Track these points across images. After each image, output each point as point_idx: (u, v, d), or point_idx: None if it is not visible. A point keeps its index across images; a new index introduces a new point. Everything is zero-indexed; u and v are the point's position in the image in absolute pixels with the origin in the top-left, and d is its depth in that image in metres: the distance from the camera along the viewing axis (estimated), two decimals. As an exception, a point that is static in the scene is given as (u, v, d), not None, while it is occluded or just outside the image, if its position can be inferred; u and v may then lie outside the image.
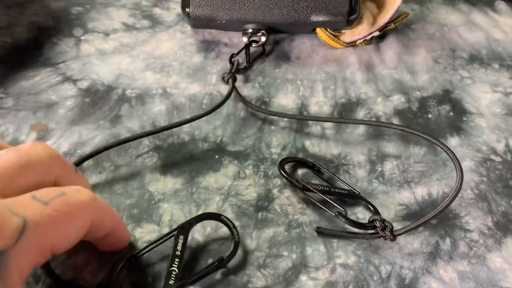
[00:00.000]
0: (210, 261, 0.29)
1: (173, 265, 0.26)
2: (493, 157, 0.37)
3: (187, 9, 0.42)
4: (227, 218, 0.29)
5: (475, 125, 0.39)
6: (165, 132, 0.36)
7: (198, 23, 0.44)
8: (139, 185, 0.32)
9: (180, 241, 0.27)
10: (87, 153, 0.32)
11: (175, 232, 0.28)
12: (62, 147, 0.34)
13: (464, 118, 0.40)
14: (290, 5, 0.42)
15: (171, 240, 0.28)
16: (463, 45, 0.49)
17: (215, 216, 0.29)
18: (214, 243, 0.30)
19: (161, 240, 0.28)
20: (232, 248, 0.28)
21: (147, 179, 0.33)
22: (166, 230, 0.30)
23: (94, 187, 0.32)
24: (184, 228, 0.28)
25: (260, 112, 0.38)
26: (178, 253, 0.27)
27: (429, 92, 0.42)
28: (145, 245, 0.28)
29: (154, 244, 0.28)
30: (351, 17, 0.43)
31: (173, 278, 0.26)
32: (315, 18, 0.42)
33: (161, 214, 0.31)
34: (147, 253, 0.28)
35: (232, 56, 0.42)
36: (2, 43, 0.43)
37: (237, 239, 0.28)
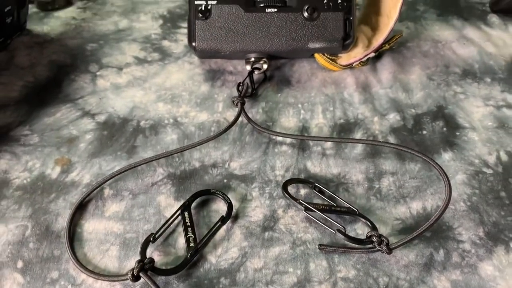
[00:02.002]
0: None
1: (188, 233, 0.33)
2: (484, 169, 0.39)
3: (193, 43, 0.46)
4: (216, 189, 0.36)
5: (468, 139, 0.42)
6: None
7: (204, 54, 0.47)
8: (155, 211, 0.36)
9: (186, 215, 0.34)
10: (102, 179, 0.36)
11: (179, 211, 0.34)
12: (84, 178, 0.38)
13: (457, 133, 0.42)
14: (288, 34, 0.45)
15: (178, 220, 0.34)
16: (456, 60, 0.51)
17: (206, 191, 0.36)
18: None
19: (171, 219, 0.34)
20: (227, 208, 0.35)
21: (162, 205, 0.36)
22: (181, 252, 0.33)
23: (116, 214, 0.35)
24: (185, 206, 0.34)
25: (265, 133, 0.41)
26: (188, 224, 0.33)
27: (424, 109, 0.45)
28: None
29: (167, 224, 0.34)
30: (346, 42, 0.46)
31: (192, 241, 0.32)
32: (312, 45, 0.45)
33: (176, 238, 0.34)
34: (163, 233, 0.33)
35: (239, 84, 0.45)
36: (26, 83, 0.47)
37: (229, 201, 0.35)
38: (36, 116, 0.43)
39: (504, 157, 0.40)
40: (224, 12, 0.45)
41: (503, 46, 0.53)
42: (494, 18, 0.58)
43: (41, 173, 0.38)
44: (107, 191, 0.37)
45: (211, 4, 0.45)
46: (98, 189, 0.37)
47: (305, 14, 0.45)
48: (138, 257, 0.32)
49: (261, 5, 0.45)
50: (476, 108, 0.45)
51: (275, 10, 0.45)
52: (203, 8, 0.45)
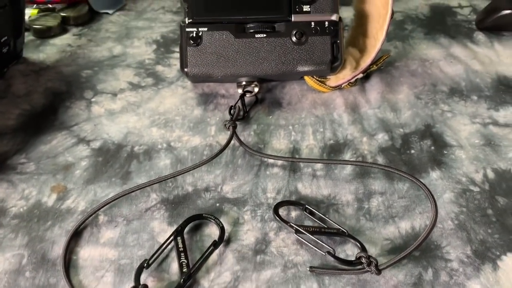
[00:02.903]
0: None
1: (181, 258, 0.34)
2: (472, 187, 0.40)
3: (185, 69, 0.47)
4: (208, 214, 0.37)
5: (455, 158, 0.43)
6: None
7: (196, 79, 0.49)
8: (149, 236, 0.36)
9: (179, 240, 0.35)
10: (97, 206, 0.37)
11: (172, 237, 0.35)
12: (80, 205, 0.39)
13: (445, 151, 0.43)
14: (277, 58, 0.46)
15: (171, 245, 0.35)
16: (443, 79, 0.52)
17: (198, 216, 0.37)
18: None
19: (164, 245, 0.34)
20: (219, 232, 0.35)
21: (156, 231, 0.37)
22: (175, 277, 0.34)
23: (110, 241, 0.36)
24: (178, 232, 0.35)
25: (257, 156, 0.42)
26: (181, 249, 0.34)
27: (412, 128, 0.46)
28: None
29: (160, 249, 0.34)
30: (334, 65, 0.47)
31: (185, 266, 0.33)
32: (301, 68, 0.47)
33: (170, 263, 0.35)
34: (157, 258, 0.34)
35: (231, 108, 0.46)
36: (22, 111, 0.48)
37: (221, 225, 0.36)
38: (32, 144, 0.44)
39: (490, 174, 0.41)
40: (215, 38, 0.46)
41: (489, 63, 0.54)
42: (480, 36, 0.59)
43: (37, 200, 0.39)
44: (101, 218, 0.38)
45: (202, 31, 0.46)
46: (93, 216, 0.37)
47: (294, 38, 0.46)
48: (132, 283, 0.32)
49: (251, 31, 0.47)
50: (463, 126, 0.46)
51: (265, 35, 0.46)
52: (194, 35, 0.46)
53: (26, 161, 0.42)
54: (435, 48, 0.57)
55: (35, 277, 0.33)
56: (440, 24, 0.62)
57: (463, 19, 0.63)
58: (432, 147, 0.44)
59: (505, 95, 0.50)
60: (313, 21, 0.47)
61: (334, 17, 0.47)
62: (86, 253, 0.35)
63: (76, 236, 0.36)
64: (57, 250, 0.35)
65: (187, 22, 0.47)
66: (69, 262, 0.34)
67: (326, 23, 0.47)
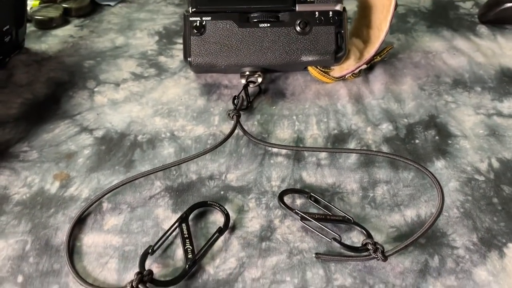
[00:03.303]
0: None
1: (186, 244, 0.33)
2: (477, 176, 0.40)
3: (188, 59, 0.47)
4: (213, 201, 0.37)
5: (460, 147, 0.42)
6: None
7: (199, 69, 0.48)
8: (153, 223, 0.36)
9: (184, 227, 0.34)
10: (101, 193, 0.37)
11: (177, 224, 0.34)
12: (83, 193, 0.38)
13: (449, 141, 0.43)
14: (281, 48, 0.46)
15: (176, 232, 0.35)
16: (447, 70, 0.52)
17: (203, 203, 0.37)
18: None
19: (169, 231, 0.34)
20: (225, 219, 0.35)
21: (160, 218, 0.37)
22: (180, 264, 0.33)
23: (115, 227, 0.36)
24: (183, 218, 0.35)
25: (261, 145, 0.42)
26: (186, 235, 0.34)
27: (416, 118, 0.46)
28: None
29: (165, 236, 0.34)
30: (338, 55, 0.47)
31: (190, 253, 0.33)
32: (305, 58, 0.46)
33: (174, 249, 0.34)
34: (162, 245, 0.34)
35: (234, 97, 0.46)
36: (24, 100, 0.48)
37: (226, 213, 0.36)
38: (35, 132, 0.44)
39: (495, 164, 0.41)
40: (219, 27, 0.46)
41: (492, 55, 0.54)
42: (483, 29, 0.59)
43: (40, 188, 0.39)
44: (105, 205, 0.37)
45: (205, 20, 0.46)
46: (97, 203, 0.37)
47: (298, 28, 0.46)
48: (137, 269, 0.32)
49: (255, 20, 0.46)
50: (467, 117, 0.46)
51: (268, 25, 0.46)
52: (198, 24, 0.46)
53: (28, 149, 0.42)
54: (438, 40, 0.57)
55: (38, 263, 0.33)
56: (442, 17, 0.62)
57: (465, 12, 0.63)
58: (437, 137, 0.44)
59: (509, 86, 0.50)
60: (317, 11, 0.46)
61: (338, 7, 0.47)
62: (90, 239, 0.35)
63: (79, 223, 0.36)
64: (61, 237, 0.35)
65: (190, 12, 0.47)
66: (72, 249, 0.34)
67: (330, 13, 0.46)
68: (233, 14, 0.46)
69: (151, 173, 0.38)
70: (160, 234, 0.34)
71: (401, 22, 0.61)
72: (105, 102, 0.48)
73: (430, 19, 0.62)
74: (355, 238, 0.35)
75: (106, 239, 0.35)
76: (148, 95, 0.49)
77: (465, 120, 0.46)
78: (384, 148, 0.42)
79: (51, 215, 0.36)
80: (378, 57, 0.50)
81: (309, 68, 0.48)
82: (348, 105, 0.47)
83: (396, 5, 0.47)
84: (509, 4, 0.58)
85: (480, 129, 0.44)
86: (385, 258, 0.32)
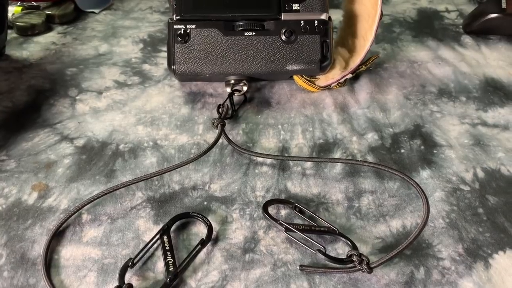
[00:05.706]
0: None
1: (167, 257, 0.33)
2: (462, 186, 0.40)
3: (172, 66, 0.46)
4: (195, 212, 0.36)
5: (445, 157, 0.42)
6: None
7: (183, 78, 0.48)
8: (134, 235, 0.35)
9: (165, 239, 0.34)
10: (80, 204, 0.36)
11: (158, 235, 0.34)
12: (62, 204, 0.37)
13: (435, 151, 0.43)
14: (266, 57, 0.46)
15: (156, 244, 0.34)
16: (432, 80, 0.52)
17: (185, 214, 0.36)
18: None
19: (150, 243, 0.33)
20: (207, 231, 0.34)
21: (141, 229, 0.36)
22: (160, 276, 0.33)
23: (94, 239, 0.35)
24: (164, 230, 0.34)
25: (246, 155, 0.41)
26: (167, 248, 0.33)
27: (401, 128, 0.46)
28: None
29: (145, 248, 0.33)
30: (324, 64, 0.46)
31: (172, 266, 0.32)
32: (291, 67, 0.46)
33: (155, 262, 0.33)
34: (142, 257, 0.33)
35: (219, 106, 0.46)
36: (3, 108, 0.46)
37: (209, 224, 0.35)
38: (14, 141, 0.43)
39: (480, 173, 0.41)
40: (203, 35, 0.46)
41: (476, 65, 0.55)
42: (467, 39, 0.60)
43: (17, 199, 0.37)
44: (85, 216, 0.36)
45: (190, 28, 0.46)
46: (76, 214, 0.36)
47: (283, 37, 0.46)
48: (116, 283, 0.31)
49: (240, 28, 0.46)
50: (452, 126, 0.46)
51: (254, 33, 0.46)
52: (182, 32, 0.46)
53: (6, 158, 0.41)
54: (423, 50, 0.57)
55: (13, 277, 0.32)
56: (427, 27, 0.62)
57: (450, 23, 0.64)
58: (422, 147, 0.43)
59: (493, 96, 0.50)
60: (302, 20, 0.46)
61: (323, 16, 0.47)
62: (68, 252, 0.34)
63: (58, 235, 0.35)
64: (38, 250, 0.34)
65: (175, 19, 0.46)
66: (50, 262, 0.33)
67: (316, 22, 0.46)
68: (218, 22, 0.46)
69: (132, 183, 0.37)
70: (141, 246, 0.33)
71: (386, 31, 0.61)
72: (86, 111, 0.47)
73: (416, 29, 0.62)
74: (340, 249, 0.35)
75: (85, 252, 0.34)
76: (131, 104, 0.48)
77: (450, 129, 0.45)
78: (370, 158, 0.42)
79: (28, 227, 0.35)
80: (363, 66, 0.50)
81: (295, 77, 0.48)
82: (334, 114, 0.47)
83: (382, 15, 0.47)
84: (493, 15, 0.58)
85: (465, 139, 0.44)
86: (370, 270, 0.32)
